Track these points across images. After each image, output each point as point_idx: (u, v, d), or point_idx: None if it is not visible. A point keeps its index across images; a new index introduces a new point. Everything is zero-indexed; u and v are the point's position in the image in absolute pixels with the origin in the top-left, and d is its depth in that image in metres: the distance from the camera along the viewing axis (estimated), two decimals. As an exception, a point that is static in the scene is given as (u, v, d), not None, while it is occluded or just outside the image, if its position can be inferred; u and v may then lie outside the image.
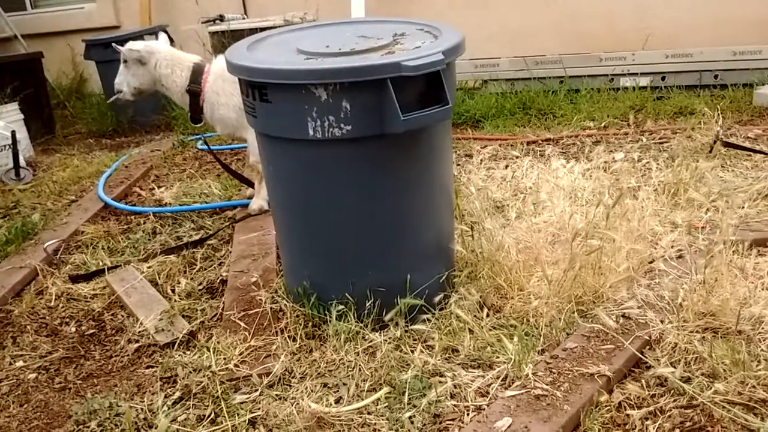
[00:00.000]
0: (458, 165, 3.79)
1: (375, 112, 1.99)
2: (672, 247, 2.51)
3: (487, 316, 2.24)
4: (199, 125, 3.39)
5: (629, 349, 1.98)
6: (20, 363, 2.35)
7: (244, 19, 6.01)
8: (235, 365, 2.11)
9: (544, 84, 5.24)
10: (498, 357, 2.04)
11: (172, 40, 5.99)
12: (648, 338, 2.04)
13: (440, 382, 1.95)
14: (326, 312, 2.25)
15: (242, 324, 2.34)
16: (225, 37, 5.45)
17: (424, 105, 2.01)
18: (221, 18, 5.77)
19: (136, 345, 2.37)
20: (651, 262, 2.44)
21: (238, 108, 3.13)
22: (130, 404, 1.96)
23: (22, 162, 4.57)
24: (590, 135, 4.20)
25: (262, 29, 4.91)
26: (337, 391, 1.97)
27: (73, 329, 2.55)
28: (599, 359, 1.94)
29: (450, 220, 2.43)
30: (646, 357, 1.97)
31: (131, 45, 3.33)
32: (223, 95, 3.19)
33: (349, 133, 2.02)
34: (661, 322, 2.08)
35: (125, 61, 3.32)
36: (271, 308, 2.39)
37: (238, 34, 5.31)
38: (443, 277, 2.32)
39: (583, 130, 4.33)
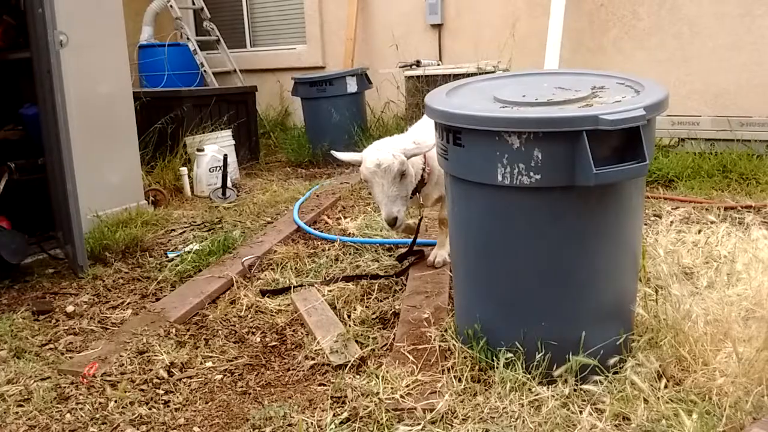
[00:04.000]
0: (646, 225, 3.62)
1: (566, 164, 1.98)
2: None
3: (665, 387, 2.10)
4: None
5: (832, 448, 1.76)
6: (209, 363, 2.59)
7: (438, 65, 6.25)
8: (401, 396, 2.17)
9: (749, 147, 4.87)
10: (674, 432, 1.91)
11: (369, 82, 6.40)
12: None
13: (608, 448, 1.87)
14: (494, 358, 2.24)
15: (411, 357, 2.40)
16: (419, 81, 5.70)
17: (619, 160, 1.97)
18: (417, 63, 6.04)
19: (312, 362, 2.51)
20: None
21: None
22: (302, 417, 2.08)
23: (229, 183, 5.08)
24: (800, 207, 3.83)
25: (456, 76, 5.09)
26: (499, 439, 1.95)
27: (258, 339, 2.77)
28: (793, 454, 1.75)
29: (633, 281, 2.33)
30: None
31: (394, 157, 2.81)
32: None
33: (537, 182, 2.03)
34: None
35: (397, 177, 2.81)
36: (439, 346, 2.43)
37: (432, 80, 5.54)
38: (620, 340, 2.22)
39: (792, 201, 3.96)
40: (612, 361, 2.17)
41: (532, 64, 5.83)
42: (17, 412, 2.29)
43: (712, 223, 3.43)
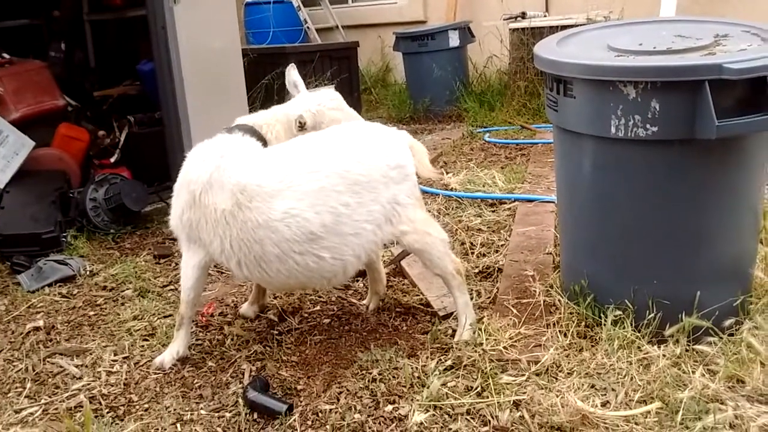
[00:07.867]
0: None
1: (686, 116, 1.90)
2: None
3: (784, 351, 2.02)
4: None
5: None
6: (318, 308, 2.69)
7: (545, 16, 6.04)
8: (504, 348, 2.18)
9: None
10: (793, 398, 1.83)
11: (472, 35, 6.28)
12: None
13: (720, 409, 1.81)
14: (601, 315, 2.21)
15: (514, 311, 2.40)
16: (525, 34, 5.54)
17: (743, 113, 1.87)
18: (523, 15, 5.86)
19: (415, 311, 2.56)
20: None
21: None
22: (407, 361, 2.14)
23: (331, 137, 5.16)
24: None
25: (564, 27, 4.90)
26: (605, 394, 1.93)
27: (362, 285, 2.84)
28: None
29: (753, 242, 2.22)
30: None
31: None
32: None
33: (654, 135, 1.96)
34: None
35: None
36: (544, 301, 2.42)
37: (538, 32, 5.37)
38: (737, 301, 2.13)
39: None
40: (727, 323, 2.10)
41: (646, 14, 5.52)
42: (143, 345, 2.48)
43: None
